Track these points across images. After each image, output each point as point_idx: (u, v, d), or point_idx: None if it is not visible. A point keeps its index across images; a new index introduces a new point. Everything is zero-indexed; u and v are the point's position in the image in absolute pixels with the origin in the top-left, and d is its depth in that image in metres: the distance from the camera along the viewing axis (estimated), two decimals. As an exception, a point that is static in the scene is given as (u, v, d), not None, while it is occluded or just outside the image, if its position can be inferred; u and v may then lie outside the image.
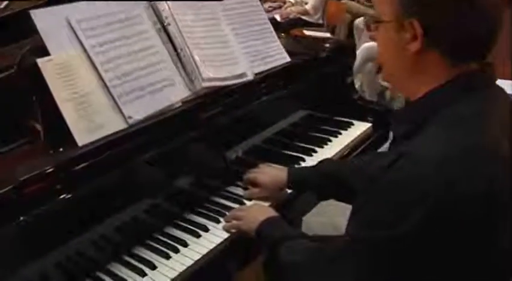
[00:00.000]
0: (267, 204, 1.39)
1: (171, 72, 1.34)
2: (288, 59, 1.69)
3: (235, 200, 1.41)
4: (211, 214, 1.35)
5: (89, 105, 1.17)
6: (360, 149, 1.79)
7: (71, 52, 1.18)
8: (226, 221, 1.32)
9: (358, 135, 1.79)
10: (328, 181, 1.38)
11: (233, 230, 1.28)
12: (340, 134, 1.80)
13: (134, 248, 1.23)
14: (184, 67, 1.36)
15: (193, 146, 1.37)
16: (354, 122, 1.87)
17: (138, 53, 1.29)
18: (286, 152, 1.69)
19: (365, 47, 3.58)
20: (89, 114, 1.16)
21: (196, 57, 1.37)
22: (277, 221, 1.22)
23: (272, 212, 1.27)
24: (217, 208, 1.38)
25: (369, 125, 1.86)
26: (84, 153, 1.13)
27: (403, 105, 3.38)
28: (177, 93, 1.34)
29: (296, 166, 1.59)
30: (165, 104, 1.30)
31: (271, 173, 1.44)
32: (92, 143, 1.16)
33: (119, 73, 1.24)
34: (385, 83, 3.91)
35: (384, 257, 0.86)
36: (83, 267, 1.16)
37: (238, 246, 1.28)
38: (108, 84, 1.21)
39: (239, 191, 1.47)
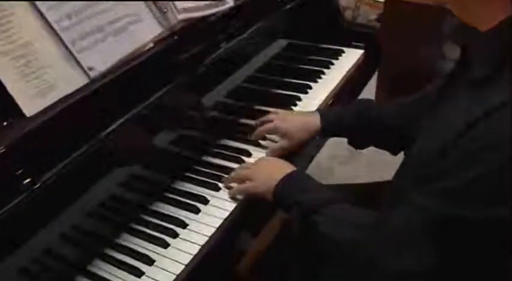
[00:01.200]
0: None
1: (135, 4, 1.02)
2: (270, -22, 1.38)
3: (231, 158, 1.15)
4: (208, 180, 1.09)
5: (34, 59, 0.84)
6: (356, 81, 1.55)
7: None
8: (230, 185, 1.05)
9: (354, 64, 1.54)
10: (367, 122, 1.13)
11: (239, 196, 1.03)
12: (333, 64, 1.54)
13: (120, 238, 0.96)
14: (152, -4, 1.04)
15: (173, 96, 1.06)
16: (344, 49, 1.61)
17: (88, -19, 0.95)
18: (278, 91, 1.42)
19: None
20: (35, 71, 0.84)
21: (166, -18, 1.05)
22: (299, 178, 0.98)
23: (289, 166, 1.01)
24: (213, 171, 1.11)
25: (361, 51, 1.60)
26: (40, 125, 0.82)
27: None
28: (146, 31, 1.02)
29: (292, 107, 1.34)
30: (132, 46, 0.99)
31: (298, 119, 1.17)
32: (45, 109, 0.84)
33: (68, 10, 0.91)
34: (344, 3, 3.63)
35: (487, 240, 0.66)
36: (56, 270, 0.89)
37: (249, 215, 1.04)
38: (55, 27, 0.88)
39: (237, 144, 1.21)
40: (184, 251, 0.92)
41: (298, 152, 1.19)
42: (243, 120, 1.28)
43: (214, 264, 0.95)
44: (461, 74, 0.79)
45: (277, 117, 1.19)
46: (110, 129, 0.92)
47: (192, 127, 1.17)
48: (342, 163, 2.33)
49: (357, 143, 1.18)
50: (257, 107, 1.34)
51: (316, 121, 1.16)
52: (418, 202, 0.72)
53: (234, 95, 1.29)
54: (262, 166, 1.05)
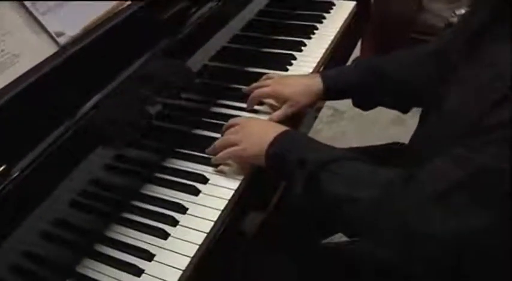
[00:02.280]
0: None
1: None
2: None
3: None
4: (204, 155, 0.95)
5: (-12, 25, 0.69)
6: (351, 35, 1.41)
7: None
8: (215, 152, 0.92)
9: (348, 17, 1.40)
10: (377, 79, 1.00)
11: (225, 168, 0.91)
12: (325, 18, 1.40)
13: (112, 231, 0.83)
14: None
15: (155, 62, 0.91)
16: (334, 1, 1.47)
17: None
18: (269, 50, 1.28)
19: None
20: (-8, 39, 0.69)
21: None
22: (297, 136, 0.86)
23: (281, 126, 0.88)
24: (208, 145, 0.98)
25: (353, 3, 1.46)
26: (3, 106, 0.67)
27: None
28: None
29: (287, 66, 1.20)
30: (105, 5, 0.83)
31: (299, 82, 1.04)
32: (7, 86, 0.70)
33: (24, -37, 0.75)
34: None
35: None
36: (40, 275, 0.76)
37: (256, 191, 0.92)
38: (10, -17, 0.72)
39: (231, 112, 1.07)
40: (188, 241, 0.79)
41: (301, 117, 1.07)
42: (235, 85, 1.15)
43: (222, 251, 0.83)
44: (498, 19, 0.68)
45: (275, 81, 1.06)
46: (88, 104, 0.77)
47: (180, 96, 1.03)
48: (328, 123, 2.23)
49: (365, 103, 1.06)
50: (249, 70, 1.21)
51: (318, 83, 1.03)
52: (462, 154, 0.62)
53: (221, 58, 1.15)
54: (251, 126, 0.91)
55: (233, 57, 1.21)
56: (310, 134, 2.08)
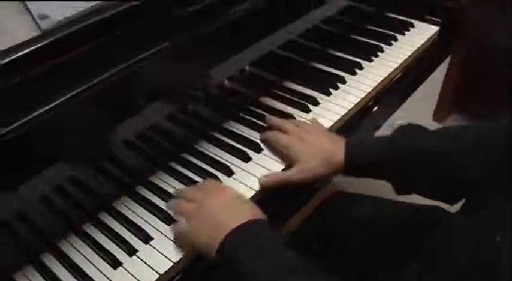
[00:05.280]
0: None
1: None
2: None
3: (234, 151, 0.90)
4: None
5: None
6: (422, 67, 1.21)
7: None
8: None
9: (423, 44, 1.21)
10: (420, 163, 0.78)
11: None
12: (396, 40, 1.22)
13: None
14: None
15: (161, 61, 0.77)
16: (414, 22, 1.28)
17: None
18: (318, 66, 1.13)
19: None
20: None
21: None
22: (255, 233, 0.67)
23: (244, 210, 0.71)
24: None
25: (436, 28, 1.26)
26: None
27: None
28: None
29: (331, 89, 1.05)
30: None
31: (321, 145, 0.83)
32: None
33: None
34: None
35: None
36: None
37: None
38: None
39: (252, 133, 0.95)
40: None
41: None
42: (262, 102, 1.02)
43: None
44: None
45: (296, 132, 0.87)
46: (65, 99, 0.68)
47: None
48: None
49: (402, 189, 0.83)
50: (286, 85, 1.07)
51: (339, 152, 0.82)
52: None
53: (260, 64, 1.02)
54: (211, 205, 0.72)
55: (275, 67, 1.07)
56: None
